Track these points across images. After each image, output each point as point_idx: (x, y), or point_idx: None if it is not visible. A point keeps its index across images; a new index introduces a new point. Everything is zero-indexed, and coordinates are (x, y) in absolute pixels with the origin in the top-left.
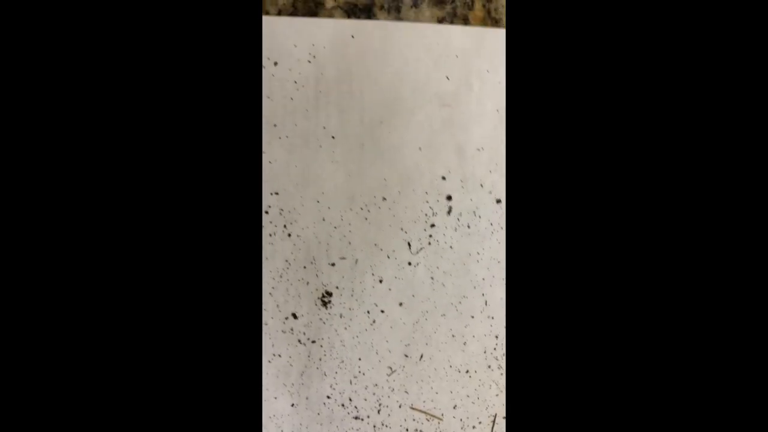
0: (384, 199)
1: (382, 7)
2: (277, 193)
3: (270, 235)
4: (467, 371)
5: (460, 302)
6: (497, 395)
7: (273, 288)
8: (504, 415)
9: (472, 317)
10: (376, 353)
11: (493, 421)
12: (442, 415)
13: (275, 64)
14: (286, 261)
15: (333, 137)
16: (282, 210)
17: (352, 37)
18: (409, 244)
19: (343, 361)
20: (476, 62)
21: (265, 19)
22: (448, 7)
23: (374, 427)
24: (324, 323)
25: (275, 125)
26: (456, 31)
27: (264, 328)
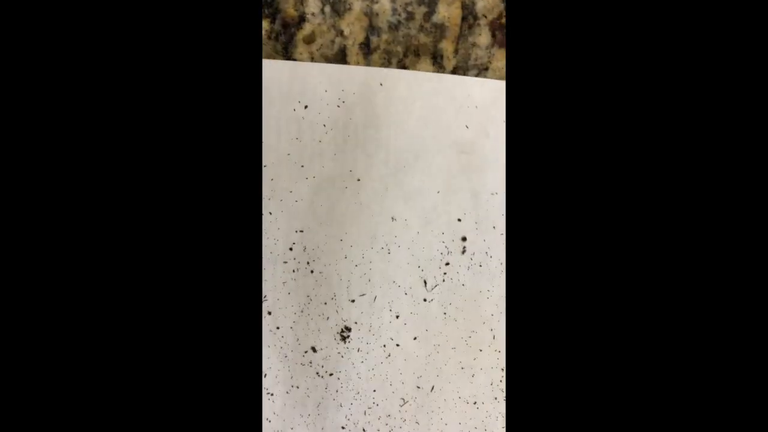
0: (404, 238)
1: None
2: (302, 231)
3: (293, 270)
4: (475, 402)
5: (470, 336)
6: (503, 427)
7: (294, 322)
8: None
9: (480, 350)
10: (390, 385)
11: None
12: None
13: (305, 107)
14: (308, 296)
15: (358, 180)
16: (306, 247)
17: (381, 84)
18: (425, 282)
19: (358, 393)
20: (493, 112)
21: (297, 64)
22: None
23: None
24: (342, 357)
25: (303, 166)
26: (477, 83)
27: (284, 360)
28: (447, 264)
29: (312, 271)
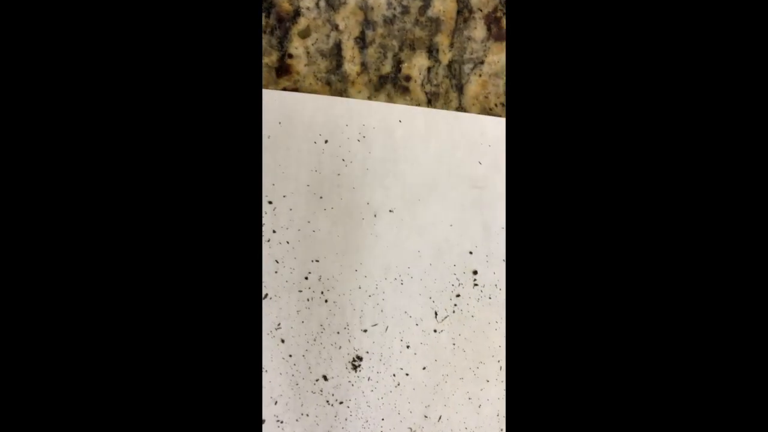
0: (416, 270)
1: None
2: (317, 261)
3: (308, 299)
4: None
5: (477, 367)
6: None
7: (307, 350)
8: None
9: (488, 381)
10: (398, 414)
11: None
12: None
13: (326, 141)
14: (321, 325)
15: (375, 215)
16: (321, 276)
17: (400, 121)
18: (435, 313)
19: (367, 421)
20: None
21: (319, 98)
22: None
23: None
24: (352, 385)
25: (321, 197)
26: (491, 122)
27: (295, 388)
28: (458, 296)
29: (326, 301)
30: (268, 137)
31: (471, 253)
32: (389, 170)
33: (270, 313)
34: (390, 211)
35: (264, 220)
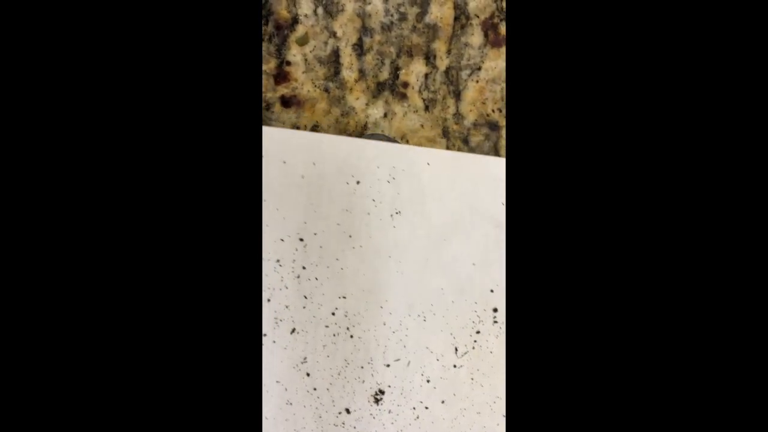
0: (439, 307)
1: None
2: (344, 297)
3: (334, 335)
4: None
5: (494, 402)
6: None
7: (330, 384)
8: None
9: (504, 416)
10: None
11: None
12: None
13: (357, 182)
14: (345, 360)
15: (401, 250)
16: (347, 312)
17: (428, 164)
18: (456, 349)
19: None
20: None
21: (353, 141)
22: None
23: None
24: (374, 418)
25: (351, 236)
26: None
27: (318, 420)
28: (477, 332)
29: (351, 336)
30: (302, 177)
31: (492, 291)
32: (416, 210)
33: (296, 347)
34: (416, 249)
35: (294, 257)
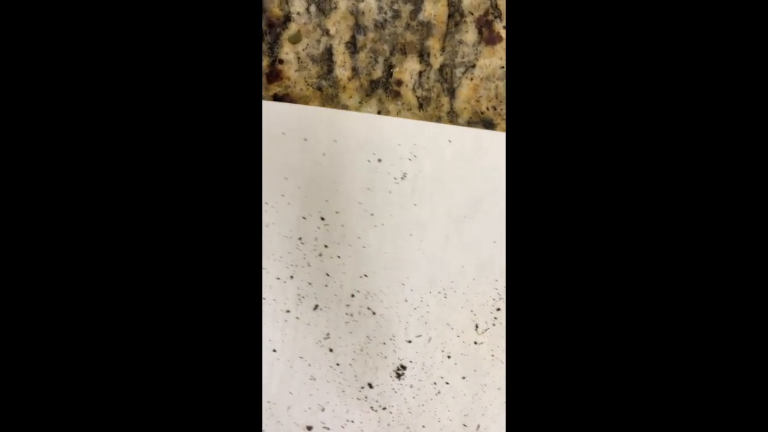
0: (460, 284)
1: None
2: (366, 275)
3: (358, 312)
4: None
5: None
6: None
7: (353, 360)
8: None
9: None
10: (438, 421)
11: None
12: None
13: (379, 160)
14: (368, 336)
15: (423, 228)
16: (369, 290)
17: (450, 141)
18: (476, 326)
19: (408, 428)
20: None
21: (376, 118)
22: None
23: None
24: (395, 392)
25: (372, 214)
26: None
27: (341, 395)
28: (498, 309)
29: (374, 313)
30: (324, 155)
31: None
32: (438, 188)
33: (319, 323)
34: (437, 227)
35: (317, 235)
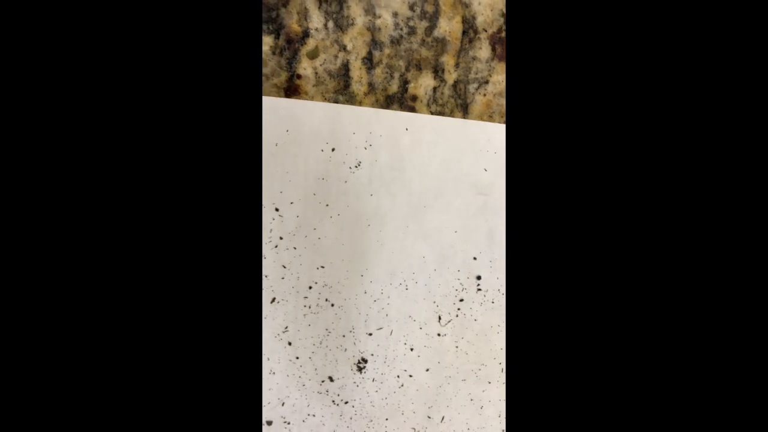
0: (421, 275)
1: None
2: (323, 267)
3: (316, 305)
4: None
5: (479, 369)
6: None
7: (312, 353)
8: None
9: (489, 383)
10: (402, 414)
11: None
12: None
13: (333, 149)
14: (327, 329)
15: (380, 221)
16: (327, 282)
17: (407, 129)
18: (439, 317)
19: (371, 421)
20: None
21: (327, 105)
22: None
23: None
24: (357, 386)
25: (327, 205)
26: (497, 128)
27: (302, 389)
28: (461, 300)
29: (332, 305)
30: (276, 145)
31: (475, 258)
32: (396, 177)
33: (277, 317)
34: (396, 217)
35: (271, 227)
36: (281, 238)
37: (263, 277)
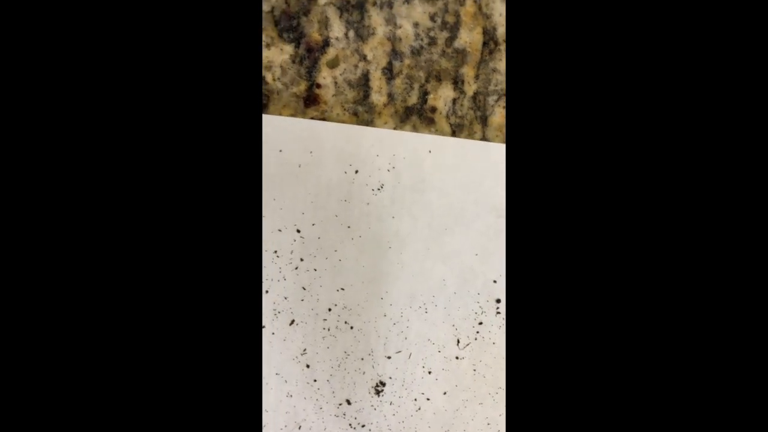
0: (441, 298)
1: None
2: (344, 289)
3: (335, 327)
4: None
5: (497, 392)
6: None
7: (331, 376)
8: None
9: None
10: None
11: None
12: None
13: (356, 171)
14: (345, 352)
15: (402, 240)
16: (347, 304)
17: (430, 152)
18: (458, 341)
19: None
20: None
21: (350, 127)
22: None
23: None
24: (375, 409)
25: (349, 227)
26: None
27: (319, 412)
28: (480, 323)
29: (351, 327)
30: (299, 166)
31: (495, 281)
32: (417, 200)
33: (296, 339)
34: (416, 240)
35: (292, 248)
36: (302, 260)
37: (283, 299)
